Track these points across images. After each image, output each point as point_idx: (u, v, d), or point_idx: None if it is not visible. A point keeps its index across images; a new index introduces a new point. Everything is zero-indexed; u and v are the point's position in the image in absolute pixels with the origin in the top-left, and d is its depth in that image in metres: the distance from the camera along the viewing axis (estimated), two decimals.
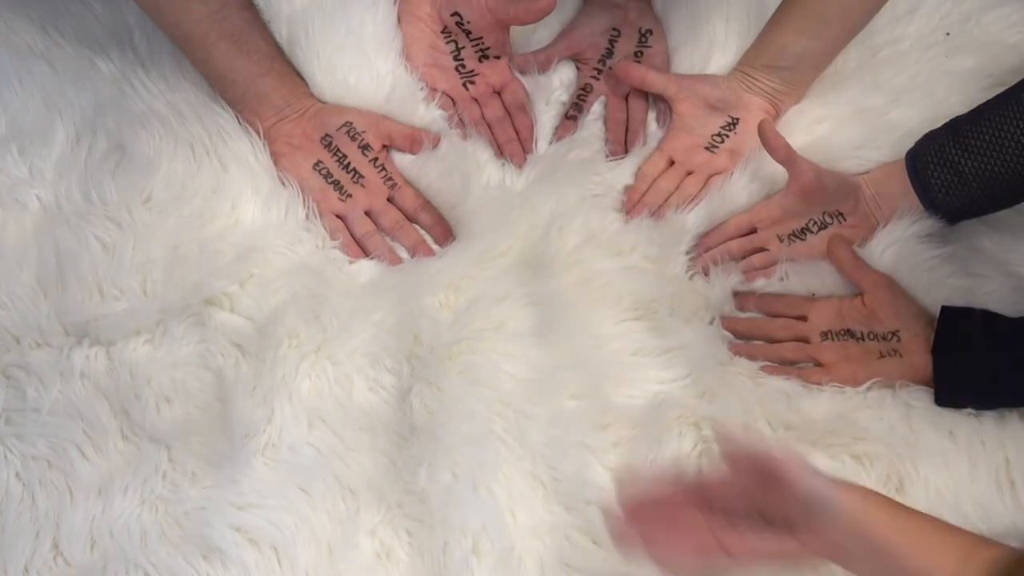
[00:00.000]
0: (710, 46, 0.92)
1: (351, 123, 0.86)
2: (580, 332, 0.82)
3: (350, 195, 0.87)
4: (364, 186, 0.87)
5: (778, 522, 0.70)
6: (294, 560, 0.73)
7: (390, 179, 0.88)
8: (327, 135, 0.86)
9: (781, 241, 0.86)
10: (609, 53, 0.92)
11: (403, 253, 0.87)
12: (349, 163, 0.86)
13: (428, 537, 0.74)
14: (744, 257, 0.87)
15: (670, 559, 0.66)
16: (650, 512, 0.66)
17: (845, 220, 0.83)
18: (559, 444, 0.78)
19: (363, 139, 0.87)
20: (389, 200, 0.88)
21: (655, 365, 0.81)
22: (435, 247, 0.88)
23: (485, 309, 0.83)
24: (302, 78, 0.88)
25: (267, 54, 0.85)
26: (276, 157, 0.86)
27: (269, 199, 0.86)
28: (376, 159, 0.87)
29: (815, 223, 0.84)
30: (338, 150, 0.86)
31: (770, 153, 0.81)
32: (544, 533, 0.75)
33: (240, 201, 0.86)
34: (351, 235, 0.87)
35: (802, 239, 0.85)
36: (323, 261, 0.85)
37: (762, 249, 0.87)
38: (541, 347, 0.82)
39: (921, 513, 0.70)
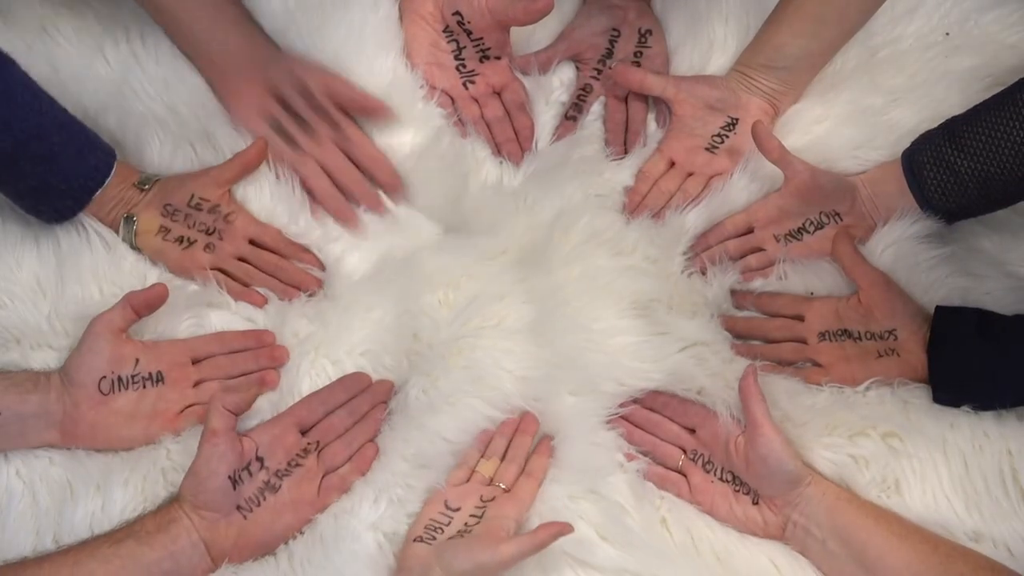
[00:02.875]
0: (710, 46, 0.92)
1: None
2: (579, 329, 0.82)
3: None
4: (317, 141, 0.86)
5: (749, 490, 0.76)
6: (291, 555, 0.74)
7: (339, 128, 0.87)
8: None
9: (778, 241, 0.86)
10: (609, 53, 0.92)
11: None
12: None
13: None
14: (741, 256, 0.87)
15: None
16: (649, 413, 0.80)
17: (842, 220, 0.83)
18: (561, 439, 0.79)
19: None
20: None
21: (654, 362, 0.81)
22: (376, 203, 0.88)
23: (484, 307, 0.83)
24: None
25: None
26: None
27: (269, 199, 0.86)
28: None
29: (811, 223, 0.84)
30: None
31: (764, 154, 0.82)
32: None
33: (241, 201, 0.86)
34: (308, 187, 0.86)
35: (798, 239, 0.85)
36: (322, 260, 0.86)
37: (759, 249, 0.87)
38: (540, 344, 0.82)
39: (888, 511, 0.71)
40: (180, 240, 0.82)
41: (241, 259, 0.84)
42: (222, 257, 0.83)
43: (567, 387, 0.80)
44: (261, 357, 0.81)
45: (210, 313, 0.82)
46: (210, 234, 0.83)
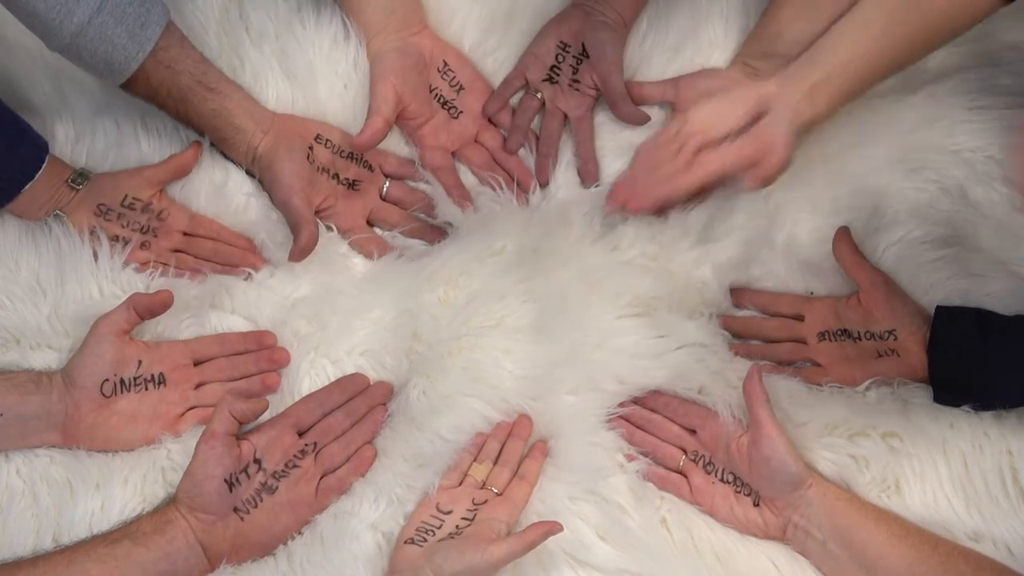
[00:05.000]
0: (710, 44, 0.91)
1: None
2: (579, 328, 0.82)
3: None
4: None
5: (750, 491, 0.75)
6: (291, 555, 0.74)
7: None
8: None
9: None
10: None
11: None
12: None
13: None
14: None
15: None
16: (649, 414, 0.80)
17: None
18: (559, 437, 0.79)
19: None
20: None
21: (654, 361, 0.82)
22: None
23: (485, 306, 0.83)
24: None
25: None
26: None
27: (269, 198, 0.86)
28: None
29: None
30: None
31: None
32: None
33: (240, 202, 0.86)
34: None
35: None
36: (323, 259, 0.85)
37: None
38: (540, 343, 0.82)
39: (888, 511, 0.71)
40: (115, 239, 0.82)
41: (178, 251, 0.84)
42: (158, 252, 0.83)
43: (567, 386, 0.80)
44: (261, 360, 0.81)
45: (210, 312, 0.83)
46: (144, 232, 0.83)
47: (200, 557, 0.70)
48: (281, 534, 0.74)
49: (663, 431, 0.80)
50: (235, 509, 0.71)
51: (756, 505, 0.75)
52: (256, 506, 0.72)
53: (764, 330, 0.85)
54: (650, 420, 0.81)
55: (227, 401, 0.71)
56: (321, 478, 0.76)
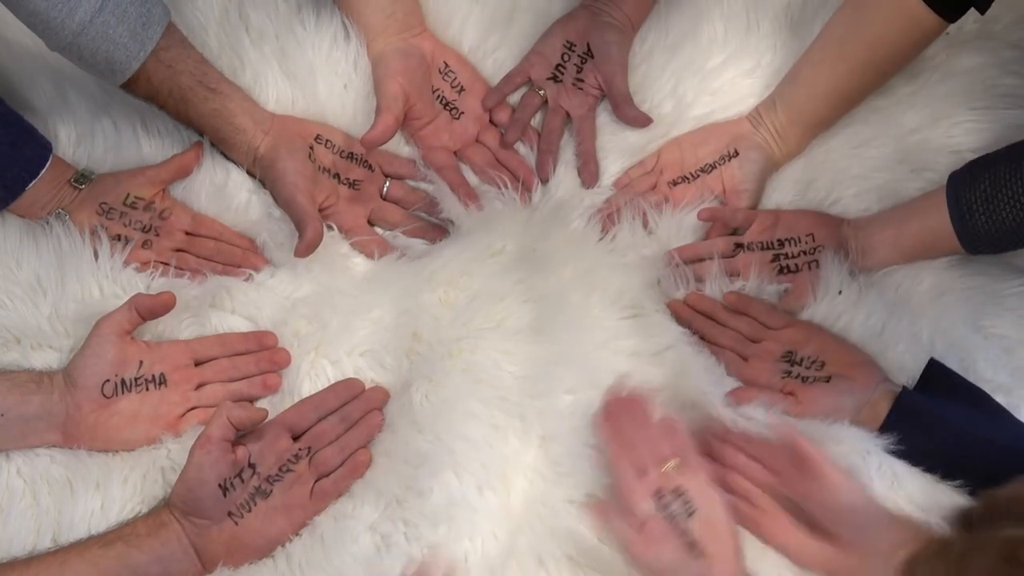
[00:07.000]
0: (710, 44, 0.91)
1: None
2: (579, 328, 0.82)
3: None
4: None
5: (814, 521, 0.71)
6: (290, 556, 0.74)
7: None
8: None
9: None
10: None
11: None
12: None
13: (430, 531, 0.74)
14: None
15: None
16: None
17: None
18: (560, 439, 0.79)
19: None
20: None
21: (654, 360, 0.81)
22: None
23: (485, 307, 0.83)
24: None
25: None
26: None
27: (270, 198, 0.86)
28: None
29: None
30: None
31: None
32: (546, 527, 0.74)
33: (242, 201, 0.87)
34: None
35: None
36: (323, 259, 0.85)
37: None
38: (540, 343, 0.82)
39: None
40: (117, 238, 0.82)
41: (180, 250, 0.84)
42: (160, 251, 0.83)
43: (566, 386, 0.80)
44: (262, 361, 0.81)
45: (211, 313, 0.83)
46: (147, 231, 0.83)
47: (193, 560, 0.70)
48: (276, 537, 0.74)
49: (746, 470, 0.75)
50: (229, 513, 0.71)
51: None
52: (250, 510, 0.72)
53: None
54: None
55: (226, 407, 0.71)
56: (316, 482, 0.76)
